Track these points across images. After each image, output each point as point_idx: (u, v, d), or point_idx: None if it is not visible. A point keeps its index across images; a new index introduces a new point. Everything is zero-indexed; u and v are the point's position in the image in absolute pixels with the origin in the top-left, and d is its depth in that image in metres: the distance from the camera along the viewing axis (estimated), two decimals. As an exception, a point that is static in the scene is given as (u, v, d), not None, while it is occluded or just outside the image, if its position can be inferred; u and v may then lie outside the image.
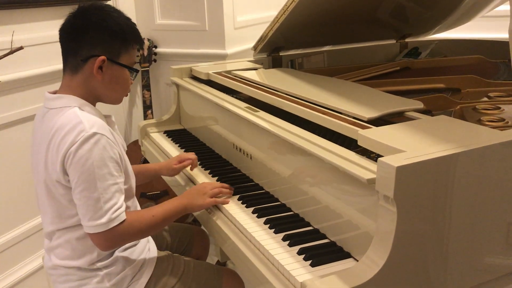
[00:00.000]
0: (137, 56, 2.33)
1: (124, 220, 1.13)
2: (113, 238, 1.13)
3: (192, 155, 1.55)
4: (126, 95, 1.28)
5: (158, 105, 2.72)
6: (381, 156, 0.94)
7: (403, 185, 0.88)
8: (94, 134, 1.10)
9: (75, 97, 1.18)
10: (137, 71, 1.25)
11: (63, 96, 1.19)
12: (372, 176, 0.94)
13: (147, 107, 2.56)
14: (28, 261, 2.11)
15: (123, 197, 1.15)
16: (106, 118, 1.24)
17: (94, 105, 1.22)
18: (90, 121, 1.12)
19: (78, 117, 1.12)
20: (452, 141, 0.98)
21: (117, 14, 1.21)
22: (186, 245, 1.60)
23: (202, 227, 1.83)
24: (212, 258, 2.12)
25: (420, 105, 1.27)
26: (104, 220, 1.10)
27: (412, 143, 0.99)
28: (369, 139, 1.03)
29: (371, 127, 1.11)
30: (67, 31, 1.19)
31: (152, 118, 2.56)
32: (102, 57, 1.16)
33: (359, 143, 1.07)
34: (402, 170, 0.87)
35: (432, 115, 1.29)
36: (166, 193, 2.38)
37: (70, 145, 1.09)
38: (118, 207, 1.12)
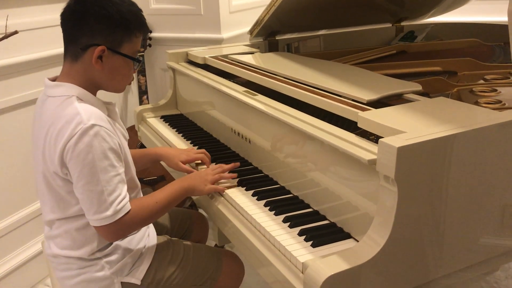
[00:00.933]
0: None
1: (129, 211, 1.13)
2: (119, 229, 1.13)
3: (203, 157, 1.46)
4: (129, 84, 1.26)
5: (154, 90, 2.71)
6: (381, 137, 0.94)
7: (404, 165, 0.89)
8: (93, 126, 1.08)
9: (74, 86, 1.15)
10: (140, 61, 1.21)
11: (62, 84, 1.16)
12: (373, 157, 0.94)
13: (143, 92, 2.55)
14: (28, 246, 2.11)
15: (125, 187, 1.14)
16: (107, 105, 1.21)
17: (95, 94, 1.19)
18: (87, 112, 1.09)
19: (76, 108, 1.10)
20: (452, 122, 0.99)
21: (119, 1, 1.14)
22: (186, 229, 1.61)
23: (201, 211, 1.84)
24: (210, 242, 2.14)
25: (418, 87, 1.28)
26: (109, 212, 1.09)
27: (412, 124, 1.00)
28: (369, 121, 1.04)
29: (370, 109, 1.12)
30: (67, 17, 1.14)
31: (148, 103, 2.55)
32: (102, 47, 1.12)
33: (359, 125, 1.07)
34: (403, 151, 0.88)
35: (430, 98, 1.30)
36: (163, 179, 2.38)
37: (69, 138, 1.07)
38: (122, 198, 1.12)
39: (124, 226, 1.13)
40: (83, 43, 1.13)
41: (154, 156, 1.50)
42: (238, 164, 1.40)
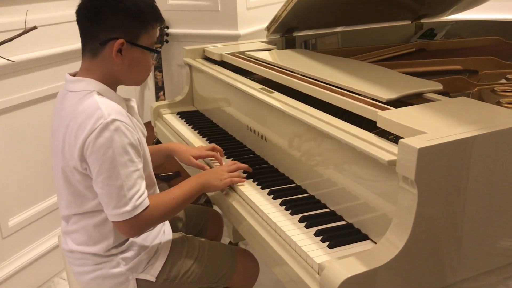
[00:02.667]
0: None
1: (148, 206, 1.13)
2: (138, 225, 1.13)
3: (215, 154, 1.46)
4: (147, 77, 1.26)
5: (170, 86, 2.71)
6: (401, 137, 0.93)
7: (424, 167, 0.87)
8: (113, 120, 1.08)
9: (95, 81, 1.15)
10: (158, 52, 1.23)
11: (83, 79, 1.16)
12: (393, 158, 0.93)
13: (159, 88, 2.55)
14: (45, 239, 2.14)
15: (144, 182, 1.14)
16: (127, 101, 1.22)
17: (115, 89, 1.20)
18: (108, 107, 1.10)
19: (96, 103, 1.10)
20: (474, 122, 0.96)
21: None
22: (201, 226, 1.60)
23: (216, 208, 1.84)
24: (224, 239, 2.14)
25: (439, 86, 1.25)
26: (129, 207, 1.09)
27: (433, 125, 0.98)
28: (389, 121, 1.02)
29: (390, 109, 1.10)
30: (84, 13, 1.15)
31: (164, 99, 2.55)
32: (121, 40, 1.13)
33: (378, 124, 1.05)
34: (423, 152, 0.86)
35: (450, 97, 1.28)
36: (179, 174, 2.38)
37: (89, 132, 1.07)
38: (141, 193, 1.12)
39: (142, 222, 1.13)
40: (101, 38, 1.13)
41: (166, 151, 1.50)
42: (251, 169, 1.39)
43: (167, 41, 2.58)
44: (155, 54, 1.21)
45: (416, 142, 0.87)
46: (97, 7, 1.12)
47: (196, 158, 1.45)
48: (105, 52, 1.14)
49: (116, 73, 1.18)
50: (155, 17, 1.18)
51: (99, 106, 1.09)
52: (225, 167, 1.35)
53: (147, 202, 1.13)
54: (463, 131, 0.93)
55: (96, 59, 1.16)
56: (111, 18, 1.12)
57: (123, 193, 1.09)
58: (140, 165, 1.14)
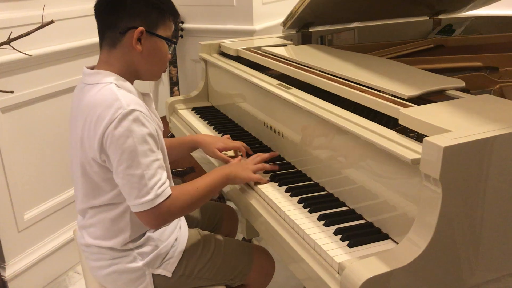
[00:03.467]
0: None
1: (170, 195, 1.12)
2: (161, 215, 1.12)
3: (240, 146, 1.46)
4: (164, 71, 1.26)
5: (185, 82, 2.71)
6: (423, 136, 0.91)
7: (449, 166, 0.85)
8: (132, 111, 1.08)
9: (113, 73, 1.16)
10: (175, 42, 1.23)
11: (101, 71, 1.17)
12: (417, 156, 0.91)
13: (174, 83, 2.55)
14: (60, 233, 2.15)
15: (165, 172, 1.13)
16: (144, 95, 1.22)
17: (132, 82, 1.20)
18: (126, 98, 1.10)
19: (115, 94, 1.10)
20: (500, 121, 0.94)
21: None
22: (216, 222, 1.60)
23: (230, 204, 1.83)
24: (238, 235, 2.13)
25: (461, 83, 1.23)
26: (150, 196, 1.08)
27: (457, 123, 0.95)
28: (412, 118, 1.00)
29: (412, 106, 1.07)
30: (104, 5, 1.16)
31: (179, 94, 2.55)
32: (141, 28, 1.14)
33: (400, 122, 1.04)
34: (449, 151, 0.84)
35: (471, 94, 1.25)
36: (193, 170, 2.38)
37: (108, 123, 1.07)
38: (163, 182, 1.11)
39: (165, 212, 1.12)
40: (122, 27, 1.14)
41: (192, 143, 1.50)
42: (277, 153, 1.38)
43: (182, 36, 2.57)
44: (172, 47, 1.22)
45: (442, 141, 0.85)
46: None
47: (221, 150, 1.44)
48: (124, 42, 1.15)
49: (135, 63, 1.18)
50: (171, 9, 1.21)
51: (117, 97, 1.09)
52: (250, 160, 1.34)
53: (169, 191, 1.12)
54: (488, 129, 0.91)
55: (115, 50, 1.17)
56: (131, 7, 1.14)
57: (144, 182, 1.08)
58: (160, 156, 1.13)
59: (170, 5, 1.21)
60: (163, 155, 1.21)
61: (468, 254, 0.96)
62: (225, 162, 1.42)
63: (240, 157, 1.44)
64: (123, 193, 1.12)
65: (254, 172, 1.30)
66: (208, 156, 1.53)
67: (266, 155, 1.37)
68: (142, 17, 1.15)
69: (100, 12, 1.18)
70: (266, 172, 1.36)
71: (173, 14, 1.22)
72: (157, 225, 1.18)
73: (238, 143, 1.46)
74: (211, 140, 1.47)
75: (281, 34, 2.03)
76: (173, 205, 1.13)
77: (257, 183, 1.31)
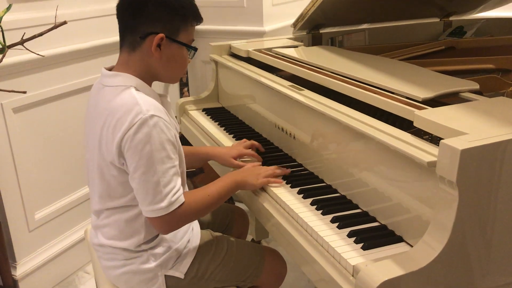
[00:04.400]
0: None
1: (183, 203, 1.13)
2: (173, 221, 1.13)
3: (253, 153, 1.46)
4: (184, 75, 1.25)
5: (194, 83, 2.71)
6: (438, 138, 0.90)
7: (466, 168, 0.85)
8: (152, 116, 1.07)
9: (132, 76, 1.15)
10: (196, 49, 1.21)
11: (120, 74, 1.16)
12: (433, 159, 0.90)
13: (184, 84, 2.55)
14: (70, 232, 2.16)
15: (180, 179, 1.14)
16: (161, 97, 1.21)
17: (150, 85, 1.20)
18: (146, 103, 1.09)
19: (135, 98, 1.10)
20: (516, 123, 0.94)
21: None
22: (227, 224, 1.60)
23: (240, 205, 1.83)
24: (247, 237, 2.13)
25: (475, 85, 1.22)
26: (164, 204, 1.09)
27: (474, 125, 0.95)
28: (427, 120, 1.00)
29: (427, 108, 1.07)
30: (125, 7, 1.15)
31: (188, 95, 2.55)
32: (161, 35, 1.12)
33: (415, 124, 1.03)
34: (466, 154, 0.84)
35: (486, 97, 1.24)
36: (202, 171, 2.38)
37: (128, 127, 1.07)
38: (177, 190, 1.11)
39: (177, 218, 1.13)
40: (142, 31, 1.13)
41: (205, 156, 1.49)
42: (289, 171, 1.36)
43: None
44: (192, 52, 1.22)
45: (458, 143, 0.85)
46: (141, 1, 1.12)
47: (236, 158, 1.44)
48: (144, 46, 1.14)
49: (153, 68, 1.18)
50: (195, 14, 1.19)
51: (137, 102, 1.09)
52: (263, 171, 1.33)
53: (182, 199, 1.13)
54: (505, 132, 0.90)
55: (134, 53, 1.16)
56: (153, 12, 1.12)
57: (159, 189, 1.08)
58: (177, 162, 1.13)
59: (193, 10, 1.18)
60: (181, 160, 1.21)
61: (480, 258, 0.96)
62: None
63: (253, 163, 1.42)
64: (137, 198, 1.13)
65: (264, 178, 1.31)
66: (215, 163, 1.53)
67: (278, 172, 1.34)
68: (163, 23, 1.13)
69: (121, 13, 1.16)
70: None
71: (197, 19, 1.20)
72: (168, 231, 1.19)
73: (251, 151, 1.46)
74: (225, 150, 1.47)
75: (291, 36, 2.03)
76: (185, 212, 1.14)
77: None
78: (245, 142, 1.51)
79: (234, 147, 1.49)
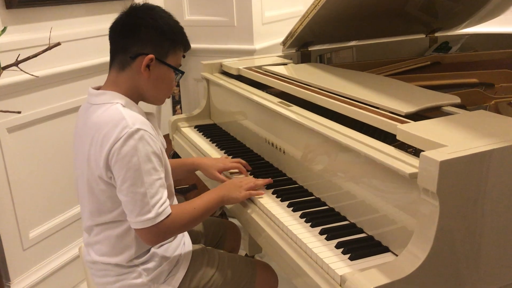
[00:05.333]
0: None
1: (169, 214, 1.15)
2: (160, 233, 1.15)
3: (239, 166, 1.50)
4: (169, 97, 1.30)
5: (187, 100, 2.75)
6: (420, 151, 0.94)
7: (445, 179, 0.88)
8: (138, 130, 1.11)
9: (118, 94, 1.20)
10: (182, 72, 1.27)
11: (107, 92, 1.20)
12: (414, 170, 0.94)
13: (176, 102, 2.59)
14: (64, 251, 2.17)
15: (166, 191, 1.17)
16: (148, 115, 1.25)
17: (137, 103, 1.24)
18: (132, 117, 1.13)
19: (121, 113, 1.14)
20: (494, 135, 0.98)
21: (167, 15, 1.23)
22: (219, 238, 1.62)
23: (233, 220, 1.85)
24: (240, 252, 2.14)
25: (457, 99, 1.26)
26: (151, 215, 1.12)
27: (453, 138, 0.99)
28: (409, 134, 1.03)
29: (409, 122, 1.11)
30: (118, 29, 1.21)
31: (181, 113, 2.59)
32: (151, 56, 1.18)
33: (398, 137, 1.07)
34: (445, 165, 0.87)
35: (467, 110, 1.29)
36: (195, 187, 2.40)
37: (114, 141, 1.10)
38: (163, 201, 1.14)
39: (164, 229, 1.16)
40: (133, 52, 1.18)
41: (191, 166, 1.54)
42: (271, 180, 1.42)
43: (184, 56, 2.61)
44: (179, 75, 1.27)
45: (438, 155, 0.89)
46: (134, 23, 1.19)
47: (221, 171, 1.49)
48: (133, 66, 1.19)
49: (141, 87, 1.22)
50: (183, 40, 1.25)
51: (123, 116, 1.13)
52: (245, 183, 1.37)
53: (169, 210, 1.16)
54: (483, 144, 0.94)
55: (123, 73, 1.21)
56: (145, 35, 1.18)
57: (147, 201, 1.11)
58: (163, 174, 1.17)
59: (182, 37, 1.25)
60: (166, 173, 1.24)
61: (468, 266, 0.99)
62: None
63: (234, 178, 1.46)
64: (125, 210, 1.15)
65: (248, 190, 1.35)
66: (205, 178, 1.57)
67: (259, 183, 1.39)
68: (154, 45, 1.19)
69: (114, 34, 1.22)
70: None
71: (184, 45, 1.26)
72: (156, 242, 1.21)
73: (236, 164, 1.50)
74: (211, 162, 1.52)
75: (281, 53, 2.08)
76: (172, 223, 1.17)
77: (260, 197, 1.35)
78: (232, 158, 1.56)
79: (220, 161, 1.53)
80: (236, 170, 1.51)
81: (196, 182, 2.39)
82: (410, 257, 0.92)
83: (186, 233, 1.40)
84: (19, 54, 1.53)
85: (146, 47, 1.18)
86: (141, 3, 1.23)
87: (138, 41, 1.18)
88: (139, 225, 1.13)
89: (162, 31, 1.19)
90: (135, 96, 1.23)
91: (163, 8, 1.27)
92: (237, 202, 1.36)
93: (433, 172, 0.88)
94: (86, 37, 2.08)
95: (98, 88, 1.24)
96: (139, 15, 1.20)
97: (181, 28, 1.25)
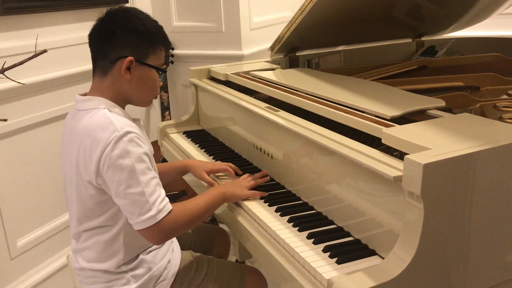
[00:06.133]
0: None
1: (171, 210, 1.15)
2: (164, 230, 1.14)
3: (227, 168, 1.51)
4: (155, 97, 1.30)
5: (176, 106, 2.75)
6: (406, 154, 0.95)
7: (429, 182, 0.89)
8: (127, 132, 1.12)
9: (105, 99, 1.20)
10: (164, 71, 1.27)
11: (93, 98, 1.21)
12: (399, 173, 0.95)
13: (165, 108, 2.59)
14: (53, 259, 2.15)
15: (163, 189, 1.17)
16: (135, 121, 1.25)
17: (124, 108, 1.24)
18: (120, 121, 1.14)
19: (108, 118, 1.14)
20: (478, 138, 0.98)
21: (143, 16, 1.23)
22: (208, 244, 1.62)
23: (222, 226, 1.85)
24: (231, 258, 2.14)
25: (442, 103, 1.27)
26: (152, 212, 1.11)
27: (437, 141, 1.00)
28: (393, 137, 1.04)
29: (394, 125, 1.12)
30: (96, 35, 1.21)
31: (170, 119, 2.58)
32: (130, 58, 1.18)
33: (383, 141, 1.08)
34: (429, 168, 0.88)
35: (453, 113, 1.30)
36: (185, 193, 2.40)
37: (104, 146, 1.10)
38: (162, 198, 1.14)
39: (167, 226, 1.14)
40: (112, 56, 1.19)
41: (183, 168, 1.54)
42: (267, 172, 1.45)
43: (172, 62, 2.62)
44: (162, 75, 1.27)
45: (421, 158, 0.89)
46: (109, 28, 1.19)
47: (209, 173, 1.49)
48: (114, 70, 1.20)
49: (125, 91, 1.23)
50: (163, 39, 1.25)
51: (111, 121, 1.13)
52: (242, 179, 1.39)
53: (170, 206, 1.15)
54: (467, 146, 0.95)
55: (106, 78, 1.21)
56: (122, 38, 1.19)
57: (145, 199, 1.11)
58: (157, 174, 1.17)
59: (161, 35, 1.25)
60: None
61: (456, 267, 0.99)
62: (211, 185, 1.45)
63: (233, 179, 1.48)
64: (125, 214, 1.15)
65: (249, 189, 1.36)
66: (190, 179, 1.59)
67: (257, 175, 1.43)
68: (132, 47, 1.19)
69: (93, 40, 1.23)
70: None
71: (164, 44, 1.26)
72: (161, 241, 1.20)
73: (226, 165, 1.51)
74: (200, 163, 1.53)
75: (269, 59, 2.08)
76: (176, 220, 1.16)
77: (247, 202, 1.35)
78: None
79: (209, 162, 1.55)
80: (223, 174, 1.52)
81: (186, 188, 2.39)
82: (396, 260, 0.93)
83: (174, 239, 1.40)
84: (5, 62, 1.52)
85: (125, 50, 1.19)
86: (117, 6, 1.23)
87: (116, 45, 1.19)
88: (142, 225, 1.12)
89: (138, 32, 1.19)
90: (121, 100, 1.23)
91: (151, 13, 1.27)
92: (240, 199, 1.36)
93: (417, 175, 0.88)
94: (73, 44, 2.08)
95: (85, 95, 1.25)
96: (114, 19, 1.20)
97: (159, 28, 1.25)
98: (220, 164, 1.53)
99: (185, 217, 1.19)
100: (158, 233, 1.14)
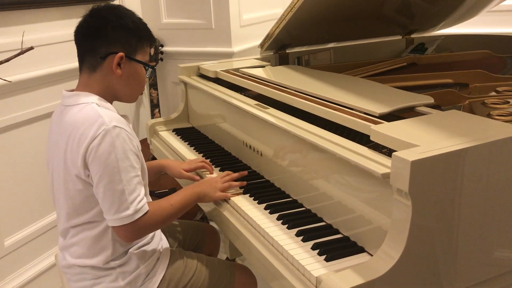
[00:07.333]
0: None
1: (147, 211, 1.16)
2: (138, 229, 1.16)
3: (204, 165, 1.53)
4: (141, 93, 1.30)
5: (165, 104, 2.73)
6: (394, 151, 0.95)
7: (417, 179, 0.89)
8: (115, 127, 1.12)
9: (93, 94, 1.20)
10: (153, 67, 1.29)
11: (80, 93, 1.21)
12: (387, 170, 0.94)
13: (155, 106, 2.57)
14: (40, 259, 2.13)
15: (143, 189, 1.17)
16: (122, 117, 1.25)
17: (111, 103, 1.24)
18: (109, 116, 1.14)
19: (97, 112, 1.14)
20: (466, 135, 0.99)
21: (130, 13, 1.24)
22: (198, 242, 1.61)
23: (212, 224, 1.85)
24: (221, 255, 2.14)
25: (430, 100, 1.28)
26: (130, 211, 1.12)
27: (425, 138, 1.00)
28: (382, 134, 1.04)
29: (383, 122, 1.12)
30: (84, 31, 1.21)
31: (160, 116, 2.57)
32: (121, 54, 1.19)
33: (371, 138, 1.07)
34: (416, 164, 0.88)
35: (442, 110, 1.30)
36: (174, 191, 2.38)
37: (91, 139, 1.11)
38: (141, 198, 1.15)
39: (141, 226, 1.16)
40: (102, 52, 1.19)
41: (157, 168, 1.55)
42: (245, 172, 1.45)
43: (161, 59, 2.61)
44: (149, 70, 1.28)
45: (409, 155, 0.89)
46: (98, 24, 1.20)
47: (187, 171, 1.50)
48: (104, 66, 1.20)
49: (113, 86, 1.23)
50: (149, 36, 1.27)
51: (100, 115, 1.13)
52: (219, 178, 1.39)
53: (146, 207, 1.16)
54: (455, 143, 0.95)
55: (95, 74, 1.21)
56: (112, 34, 1.19)
57: (125, 198, 1.12)
58: (139, 172, 1.17)
59: (147, 32, 1.27)
60: (143, 172, 1.24)
61: (445, 263, 0.99)
62: (193, 180, 1.47)
63: (210, 176, 1.49)
64: (102, 208, 1.15)
65: (222, 191, 1.36)
66: (181, 180, 1.58)
67: (235, 175, 1.42)
68: (122, 43, 1.20)
69: (81, 37, 1.22)
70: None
71: (150, 40, 1.28)
72: (133, 239, 1.22)
73: (201, 163, 1.52)
74: (176, 163, 1.55)
75: (259, 56, 2.08)
76: (150, 220, 1.17)
77: (236, 196, 1.35)
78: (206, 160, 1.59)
79: (186, 161, 1.56)
80: (204, 170, 1.53)
81: (176, 186, 2.38)
82: (384, 257, 0.92)
83: (163, 237, 1.39)
84: (-9, 59, 1.50)
85: (115, 46, 1.19)
86: (103, 4, 1.24)
87: (106, 41, 1.19)
88: (117, 222, 1.13)
89: (128, 28, 1.21)
90: (109, 96, 1.23)
91: (140, 10, 1.28)
92: (213, 201, 1.37)
93: (404, 172, 0.88)
94: (60, 41, 2.06)
95: (71, 91, 1.24)
96: (103, 15, 1.21)
97: (145, 24, 1.27)
98: (196, 162, 1.54)
99: (160, 217, 1.21)
100: (131, 231, 1.16)
